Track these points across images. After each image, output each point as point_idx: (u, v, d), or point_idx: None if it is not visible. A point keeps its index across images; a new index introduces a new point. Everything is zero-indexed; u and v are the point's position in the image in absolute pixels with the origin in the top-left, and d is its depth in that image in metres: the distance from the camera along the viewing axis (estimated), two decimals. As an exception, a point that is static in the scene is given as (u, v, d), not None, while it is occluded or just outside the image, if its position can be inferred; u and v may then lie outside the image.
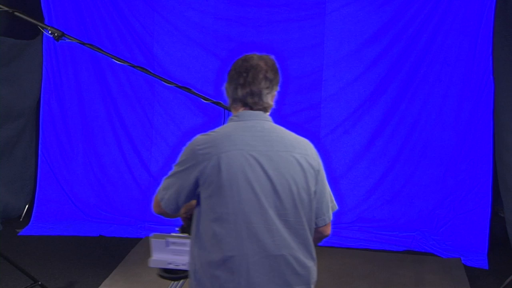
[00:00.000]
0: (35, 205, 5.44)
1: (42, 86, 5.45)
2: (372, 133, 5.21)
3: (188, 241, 2.21)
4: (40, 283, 3.78)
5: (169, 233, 2.40)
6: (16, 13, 3.24)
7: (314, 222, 2.13)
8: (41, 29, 3.25)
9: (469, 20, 4.90)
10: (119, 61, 3.25)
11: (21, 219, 5.43)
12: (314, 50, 5.20)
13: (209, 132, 2.13)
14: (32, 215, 5.37)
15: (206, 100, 3.35)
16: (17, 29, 5.03)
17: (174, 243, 2.34)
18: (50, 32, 3.15)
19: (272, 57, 2.29)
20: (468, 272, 4.64)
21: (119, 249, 4.94)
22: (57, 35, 3.14)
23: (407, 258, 4.93)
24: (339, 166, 5.27)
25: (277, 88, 2.24)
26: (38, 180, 5.51)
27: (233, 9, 5.23)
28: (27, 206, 5.52)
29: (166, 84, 3.40)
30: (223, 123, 3.34)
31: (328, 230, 2.19)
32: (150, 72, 3.35)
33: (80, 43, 3.21)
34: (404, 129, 5.17)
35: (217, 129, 2.14)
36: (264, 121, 2.15)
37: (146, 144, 5.44)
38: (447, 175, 5.12)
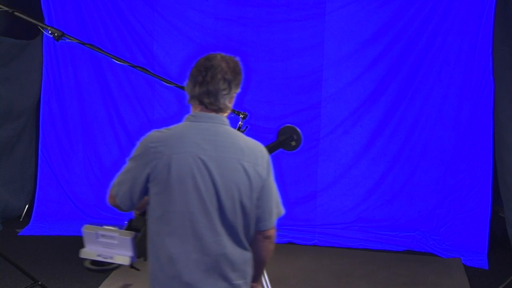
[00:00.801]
0: (35, 205, 5.44)
1: (42, 86, 5.45)
2: (372, 133, 5.21)
3: (116, 234, 2.30)
4: (40, 283, 3.78)
5: (102, 225, 2.44)
6: (16, 13, 3.23)
7: (258, 226, 2.18)
8: (41, 29, 3.25)
9: (469, 20, 4.90)
10: (119, 61, 3.25)
11: (21, 219, 5.43)
12: (314, 50, 5.20)
13: (163, 129, 2.16)
14: (32, 215, 5.37)
15: (206, 100, 3.34)
16: (17, 29, 5.03)
17: (103, 235, 2.39)
18: (50, 32, 3.15)
19: (237, 58, 2.23)
20: (468, 272, 4.64)
21: (119, 249, 4.93)
22: (57, 35, 3.13)
23: (407, 258, 4.93)
24: (339, 166, 5.27)
25: (237, 91, 2.20)
26: (38, 180, 5.51)
27: (233, 9, 5.23)
28: (27, 206, 5.52)
29: (166, 84, 3.40)
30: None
31: (272, 233, 2.24)
32: (150, 72, 3.35)
33: (80, 43, 3.20)
34: (404, 129, 5.17)
35: (172, 127, 2.16)
36: (219, 124, 2.14)
37: (146, 144, 5.44)
38: (447, 175, 5.12)
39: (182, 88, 3.37)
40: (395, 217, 5.23)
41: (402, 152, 5.20)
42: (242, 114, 3.32)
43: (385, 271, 4.65)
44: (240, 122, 3.30)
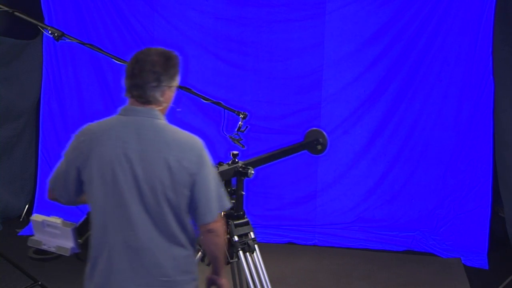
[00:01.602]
0: (35, 205, 5.44)
1: (42, 86, 5.45)
2: (372, 133, 5.21)
3: (59, 224, 2.36)
4: (40, 283, 3.78)
5: (50, 215, 2.48)
6: (16, 13, 3.24)
7: (199, 220, 2.19)
8: (41, 29, 3.25)
9: (469, 20, 4.90)
10: (119, 61, 3.25)
11: (21, 219, 5.43)
12: (314, 50, 5.20)
13: (95, 122, 2.20)
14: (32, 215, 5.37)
15: (206, 100, 3.35)
16: (17, 29, 5.03)
17: (48, 225, 2.43)
18: (50, 32, 3.15)
19: (174, 53, 2.25)
20: (468, 272, 4.64)
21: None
22: (57, 35, 3.14)
23: (407, 258, 4.93)
24: (339, 166, 5.27)
25: (172, 84, 2.20)
26: (38, 180, 5.51)
27: (233, 9, 5.23)
28: (27, 206, 5.52)
29: (166, 84, 3.39)
30: (223, 123, 3.37)
31: (214, 226, 2.20)
32: (150, 72, 3.34)
33: (80, 43, 3.21)
34: (404, 129, 5.17)
35: (103, 120, 2.20)
36: (147, 118, 2.14)
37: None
38: (447, 175, 5.12)
39: (182, 88, 3.36)
40: (395, 217, 5.23)
41: (402, 152, 5.20)
42: (242, 114, 3.32)
43: (385, 271, 4.65)
44: (240, 122, 3.31)
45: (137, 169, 2.08)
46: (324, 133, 3.47)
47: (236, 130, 3.29)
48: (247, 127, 3.30)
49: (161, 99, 2.16)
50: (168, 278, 2.15)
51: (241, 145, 3.23)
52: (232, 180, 3.06)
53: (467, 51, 4.96)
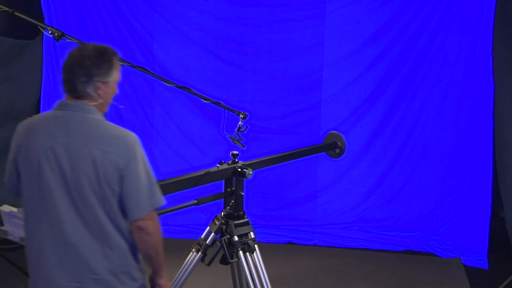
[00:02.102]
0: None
1: (42, 86, 5.44)
2: (372, 133, 5.21)
3: (22, 215, 2.31)
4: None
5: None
6: (16, 13, 3.24)
7: (127, 216, 2.15)
8: (41, 29, 3.25)
9: (469, 20, 4.90)
10: (119, 61, 3.25)
11: (21, 219, 5.42)
12: (314, 50, 5.20)
13: (34, 116, 2.28)
14: (32, 215, 5.37)
15: (206, 100, 3.35)
16: (17, 29, 5.02)
17: (15, 216, 2.46)
18: (50, 32, 3.15)
19: (110, 48, 2.22)
20: (468, 272, 4.64)
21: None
22: (57, 35, 3.14)
23: (407, 258, 4.93)
24: (339, 166, 5.26)
25: (105, 80, 2.18)
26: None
27: (233, 9, 5.23)
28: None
29: (166, 84, 3.40)
30: (223, 123, 3.37)
31: (144, 224, 2.16)
32: (150, 72, 3.35)
33: (80, 43, 3.20)
34: (404, 129, 5.16)
35: (39, 115, 2.31)
36: (78, 112, 2.16)
37: (146, 144, 5.40)
38: (447, 175, 5.11)
39: (182, 88, 3.37)
40: (395, 217, 5.23)
41: (402, 152, 5.20)
42: (242, 114, 3.32)
43: (385, 271, 4.65)
44: (240, 122, 3.31)
45: (64, 164, 2.09)
46: (343, 136, 3.49)
47: (236, 130, 3.29)
48: (247, 127, 3.30)
49: (94, 94, 2.17)
50: (97, 276, 2.13)
51: (241, 145, 3.23)
52: (233, 180, 3.06)
53: (467, 51, 4.96)
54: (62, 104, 2.20)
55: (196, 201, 2.96)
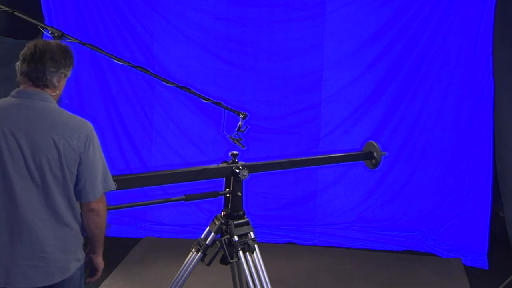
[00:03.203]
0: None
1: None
2: (372, 133, 5.20)
3: None
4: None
5: None
6: (16, 13, 3.23)
7: (81, 198, 2.35)
8: (41, 29, 3.25)
9: (469, 20, 4.90)
10: (119, 61, 3.25)
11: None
12: (314, 50, 5.20)
13: None
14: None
15: (206, 100, 3.35)
16: (17, 29, 5.02)
17: None
18: (50, 32, 3.15)
19: (69, 47, 2.47)
20: (468, 272, 4.65)
21: (119, 249, 4.94)
22: (57, 35, 3.14)
23: (407, 258, 4.93)
24: (339, 166, 5.26)
25: (67, 73, 2.43)
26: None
27: (233, 9, 5.23)
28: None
29: (166, 84, 3.40)
30: (223, 123, 3.37)
31: (96, 206, 2.37)
32: (150, 72, 3.35)
33: (80, 43, 3.20)
34: (404, 129, 5.16)
35: None
36: (38, 100, 2.33)
37: (146, 144, 5.44)
38: (447, 175, 5.12)
39: (182, 88, 3.37)
40: (395, 217, 5.23)
41: (402, 152, 5.20)
42: (242, 114, 3.32)
43: (385, 271, 4.65)
44: (240, 122, 3.31)
45: (24, 149, 2.24)
46: (378, 147, 3.49)
47: (236, 130, 3.29)
48: (247, 127, 3.30)
49: (57, 84, 2.39)
50: (47, 255, 2.28)
51: (241, 145, 3.24)
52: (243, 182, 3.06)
53: (467, 51, 4.96)
54: (21, 92, 2.37)
55: (184, 197, 3.00)
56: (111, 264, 4.57)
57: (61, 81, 2.41)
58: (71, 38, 3.15)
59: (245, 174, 2.99)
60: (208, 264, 3.11)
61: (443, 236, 5.08)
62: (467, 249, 4.94)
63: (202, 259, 3.11)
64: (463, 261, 4.83)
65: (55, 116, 2.33)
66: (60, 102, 2.58)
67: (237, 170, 3.00)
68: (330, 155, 3.60)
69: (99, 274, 2.57)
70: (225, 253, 3.02)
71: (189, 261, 3.13)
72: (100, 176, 2.37)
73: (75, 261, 2.37)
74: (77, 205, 2.35)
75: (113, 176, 2.62)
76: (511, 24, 4.55)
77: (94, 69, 5.40)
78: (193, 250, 3.14)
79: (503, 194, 4.76)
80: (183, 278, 3.14)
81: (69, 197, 2.32)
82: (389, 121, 5.18)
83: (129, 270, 4.54)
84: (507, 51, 4.59)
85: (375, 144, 3.57)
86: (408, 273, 4.62)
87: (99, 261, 2.54)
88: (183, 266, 3.15)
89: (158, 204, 5.40)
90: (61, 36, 3.14)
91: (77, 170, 2.30)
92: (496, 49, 4.72)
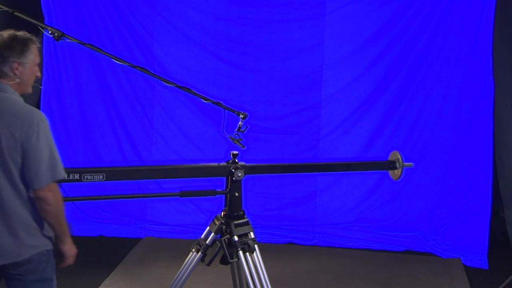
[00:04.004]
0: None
1: (42, 86, 5.44)
2: (372, 133, 5.21)
3: None
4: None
5: None
6: (16, 13, 3.24)
7: (29, 186, 2.42)
8: (41, 29, 3.25)
9: (469, 20, 4.90)
10: (119, 61, 3.25)
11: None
12: (314, 50, 5.20)
13: None
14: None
15: (206, 100, 3.35)
16: (17, 29, 5.02)
17: None
18: (50, 32, 3.15)
19: (22, 33, 2.63)
20: (468, 272, 4.65)
21: (119, 249, 4.94)
22: (57, 35, 3.14)
23: (407, 258, 4.93)
24: (339, 166, 5.26)
25: (21, 60, 2.52)
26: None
27: (233, 9, 5.23)
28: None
29: (166, 84, 3.40)
30: (223, 123, 3.37)
31: (43, 194, 2.42)
32: (150, 72, 3.35)
33: (80, 43, 3.21)
34: (404, 129, 5.16)
35: None
36: None
37: (146, 144, 5.44)
38: (447, 175, 5.12)
39: (182, 88, 3.37)
40: (395, 217, 5.23)
41: (402, 152, 5.17)
42: (242, 114, 3.32)
43: (385, 271, 4.65)
44: (240, 122, 3.31)
45: None
46: (400, 158, 3.41)
47: (236, 130, 3.29)
48: (247, 127, 3.30)
49: (10, 73, 2.47)
50: (12, 230, 2.42)
51: (241, 145, 3.24)
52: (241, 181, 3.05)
53: (467, 51, 4.96)
54: None
55: (179, 193, 2.99)
56: (111, 264, 4.57)
57: (18, 69, 2.48)
58: (71, 38, 3.15)
59: (239, 174, 2.99)
60: (208, 264, 3.11)
61: (443, 236, 5.08)
62: (467, 249, 4.94)
63: (202, 259, 3.11)
64: (463, 261, 4.83)
65: (5, 106, 2.42)
66: (34, 89, 2.68)
67: (233, 170, 2.99)
68: (348, 162, 3.52)
69: (69, 260, 2.64)
70: (225, 253, 3.02)
71: (189, 261, 3.13)
72: (46, 165, 2.41)
73: (29, 247, 2.45)
74: (26, 193, 2.43)
75: (108, 167, 2.69)
76: (511, 24, 4.55)
77: (94, 69, 5.40)
78: (193, 250, 3.14)
79: (503, 194, 4.76)
80: (183, 278, 3.14)
81: (15, 184, 2.40)
82: (389, 121, 5.18)
83: (129, 270, 4.54)
84: (507, 51, 4.60)
85: (398, 154, 3.47)
86: (408, 273, 4.62)
87: (66, 248, 2.60)
88: (183, 266, 3.15)
89: (158, 204, 5.44)
90: (61, 36, 3.14)
91: (22, 158, 2.38)
92: (496, 49, 4.72)
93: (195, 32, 5.30)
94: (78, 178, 2.79)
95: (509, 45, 4.57)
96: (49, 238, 2.54)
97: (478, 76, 4.93)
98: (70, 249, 2.61)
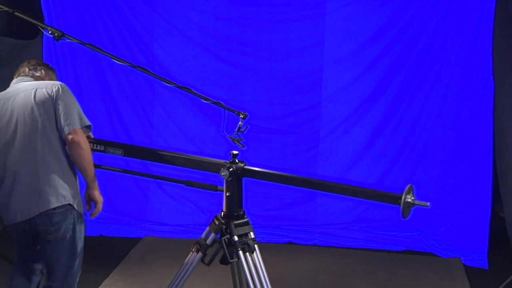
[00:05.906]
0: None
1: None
2: (372, 133, 5.21)
3: None
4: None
5: None
6: (16, 13, 3.23)
7: (64, 131, 2.86)
8: (41, 29, 3.25)
9: (469, 20, 4.90)
10: (119, 61, 3.25)
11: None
12: (314, 50, 5.20)
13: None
14: (32, 215, 5.36)
15: (206, 100, 3.35)
16: (17, 29, 5.02)
17: None
18: (50, 32, 3.15)
19: None
20: (468, 272, 4.65)
21: (119, 249, 4.94)
22: (57, 35, 3.13)
23: (407, 258, 4.93)
24: (339, 166, 5.27)
25: None
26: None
27: (233, 9, 5.23)
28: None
29: (166, 84, 3.40)
30: (223, 123, 3.37)
31: (77, 138, 2.84)
32: (150, 72, 3.35)
33: (80, 43, 3.20)
34: (404, 129, 5.16)
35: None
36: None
37: (146, 144, 5.42)
38: (447, 175, 5.11)
39: (182, 88, 3.36)
40: (395, 217, 5.22)
41: (402, 152, 5.20)
42: (242, 114, 3.31)
43: (385, 271, 4.65)
44: (240, 122, 3.30)
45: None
46: (411, 194, 2.96)
47: (236, 130, 3.29)
48: (247, 127, 3.30)
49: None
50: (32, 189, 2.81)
51: (241, 145, 3.23)
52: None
53: (467, 51, 4.96)
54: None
55: (186, 181, 3.11)
56: (111, 264, 4.57)
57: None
58: (71, 38, 3.15)
59: (224, 174, 2.98)
60: (208, 264, 3.11)
61: (443, 236, 5.08)
62: (467, 249, 4.94)
63: (202, 259, 3.10)
64: (463, 261, 4.83)
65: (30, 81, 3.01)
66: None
67: (227, 169, 2.99)
68: (356, 188, 3.17)
69: (99, 206, 2.94)
70: (225, 253, 3.01)
71: (189, 261, 3.13)
72: (76, 113, 2.91)
73: (59, 196, 2.80)
74: (61, 150, 2.81)
75: (127, 144, 3.08)
76: (511, 24, 4.56)
77: (94, 69, 5.40)
78: (193, 250, 3.13)
79: (503, 194, 4.76)
80: (183, 278, 3.14)
81: (49, 140, 2.81)
82: (389, 121, 5.18)
83: (129, 270, 4.54)
84: (507, 51, 4.60)
85: (409, 190, 2.98)
86: (408, 273, 4.62)
87: (96, 194, 2.92)
88: (183, 266, 3.15)
89: (158, 204, 5.44)
90: (61, 36, 3.14)
91: (54, 109, 2.82)
92: (496, 49, 4.72)
93: (195, 32, 5.30)
94: (103, 149, 3.10)
95: (509, 45, 4.57)
96: (74, 197, 2.88)
97: (478, 76, 4.93)
98: (99, 195, 2.93)
